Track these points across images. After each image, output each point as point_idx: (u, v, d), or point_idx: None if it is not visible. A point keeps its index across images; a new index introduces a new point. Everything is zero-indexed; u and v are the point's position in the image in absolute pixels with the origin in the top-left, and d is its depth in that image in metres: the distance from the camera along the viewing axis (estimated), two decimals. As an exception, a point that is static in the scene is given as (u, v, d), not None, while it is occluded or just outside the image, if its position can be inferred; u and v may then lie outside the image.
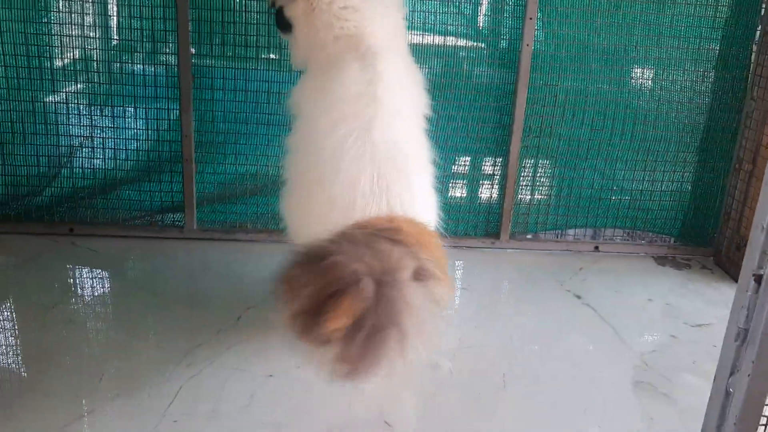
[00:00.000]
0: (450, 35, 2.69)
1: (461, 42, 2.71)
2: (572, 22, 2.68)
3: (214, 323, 2.23)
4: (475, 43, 2.74)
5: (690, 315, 2.50)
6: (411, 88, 2.05)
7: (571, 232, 2.97)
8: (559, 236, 2.96)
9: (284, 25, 2.11)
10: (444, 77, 2.71)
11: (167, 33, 2.61)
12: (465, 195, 2.88)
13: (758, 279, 1.21)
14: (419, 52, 2.66)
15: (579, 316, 2.45)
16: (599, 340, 2.31)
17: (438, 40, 2.68)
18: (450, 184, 2.86)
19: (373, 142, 1.86)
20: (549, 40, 2.70)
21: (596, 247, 2.93)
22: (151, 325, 2.26)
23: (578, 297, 2.57)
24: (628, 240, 2.97)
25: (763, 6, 2.68)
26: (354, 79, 1.91)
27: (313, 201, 1.92)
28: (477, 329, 2.33)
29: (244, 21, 2.62)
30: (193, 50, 2.62)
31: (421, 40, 2.67)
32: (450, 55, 2.71)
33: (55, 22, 2.59)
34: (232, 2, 2.60)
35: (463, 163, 2.85)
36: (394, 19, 2.11)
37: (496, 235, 2.89)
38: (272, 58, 2.67)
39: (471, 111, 2.75)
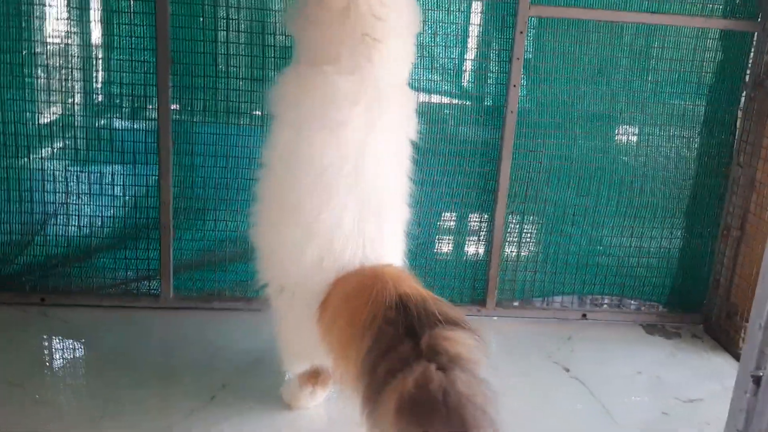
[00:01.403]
0: (434, 93, 2.66)
1: (445, 101, 2.68)
2: (557, 88, 2.67)
3: (187, 402, 2.13)
4: (459, 103, 2.71)
5: (681, 389, 2.42)
6: (407, 129, 1.98)
7: (558, 298, 2.91)
8: (546, 303, 2.89)
9: None
10: (429, 141, 2.67)
11: (147, 99, 2.57)
12: (449, 261, 2.81)
13: (757, 380, 1.15)
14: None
15: (568, 390, 2.37)
16: (588, 417, 2.23)
17: (422, 98, 2.65)
18: (435, 250, 2.80)
19: (361, 188, 1.81)
20: (533, 106, 2.68)
21: (584, 315, 2.86)
22: (122, 404, 2.14)
23: (566, 370, 2.49)
24: (616, 307, 2.91)
25: (747, 71, 2.68)
26: (357, 127, 1.82)
27: (289, 228, 1.83)
28: (461, 406, 2.25)
29: (225, 87, 2.58)
30: (173, 115, 2.58)
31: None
32: (434, 115, 2.68)
33: (30, 87, 2.54)
34: (214, 68, 2.56)
35: (447, 228, 2.79)
36: (409, 45, 1.99)
37: (482, 302, 2.82)
38: (253, 125, 2.62)
39: (455, 176, 2.71)
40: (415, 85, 2.62)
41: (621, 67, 2.66)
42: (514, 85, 2.60)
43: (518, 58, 2.57)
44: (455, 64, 2.66)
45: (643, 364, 2.58)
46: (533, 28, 2.60)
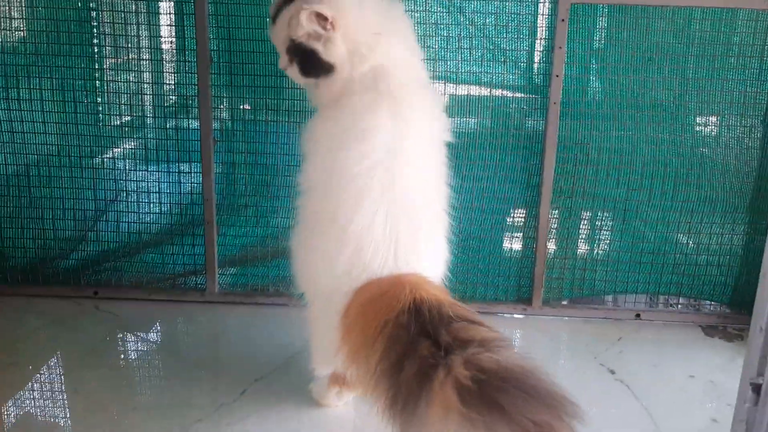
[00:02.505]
0: (473, 85, 2.60)
1: (485, 92, 2.60)
2: (604, 77, 2.55)
3: (218, 396, 2.17)
4: (501, 94, 2.63)
5: (736, 395, 2.26)
6: (436, 130, 1.93)
7: (609, 297, 2.79)
8: (597, 302, 2.78)
9: (321, 67, 1.85)
10: (469, 135, 2.61)
11: (189, 98, 2.63)
12: (493, 258, 2.74)
13: (757, 389, 1.05)
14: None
15: (610, 393, 2.26)
16: (628, 422, 2.11)
17: (461, 89, 2.59)
18: (478, 247, 2.73)
19: (393, 193, 1.78)
20: (579, 96, 2.57)
21: (637, 315, 2.73)
22: (155, 397, 2.21)
23: (612, 372, 2.38)
24: (672, 307, 2.76)
25: (817, 54, 2.48)
26: (382, 130, 1.79)
27: (323, 239, 1.82)
28: (495, 407, 2.18)
29: (266, 85, 2.60)
30: (215, 114, 2.63)
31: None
32: (474, 108, 2.61)
33: (84, 89, 2.65)
34: (253, 67, 2.59)
35: (491, 225, 2.72)
36: (410, 41, 1.98)
37: (527, 300, 2.74)
38: (292, 122, 2.63)
39: (498, 171, 2.64)
40: (453, 77, 2.58)
41: (673, 54, 2.51)
42: (557, 75, 2.50)
43: (560, 47, 2.47)
44: (494, 53, 2.58)
45: (698, 368, 2.43)
46: (576, 15, 2.49)
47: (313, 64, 1.84)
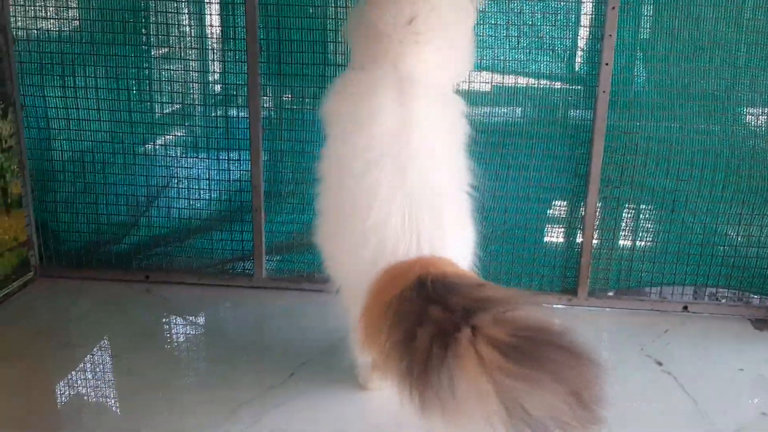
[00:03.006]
0: (520, 74, 2.59)
1: (532, 81, 2.59)
2: (653, 65, 2.52)
3: (266, 378, 2.21)
4: (548, 83, 2.62)
5: (787, 389, 2.24)
6: (448, 123, 1.93)
7: (657, 289, 2.76)
8: (643, 294, 2.75)
9: None
10: (516, 124, 2.61)
11: (238, 87, 2.67)
12: (538, 248, 2.73)
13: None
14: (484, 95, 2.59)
15: (657, 384, 2.25)
16: (676, 413, 2.10)
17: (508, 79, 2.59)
18: (524, 236, 2.72)
19: (406, 185, 1.77)
20: (627, 85, 2.54)
21: (685, 307, 2.70)
22: (205, 378, 2.26)
23: (659, 363, 2.36)
24: (721, 300, 2.72)
25: None
26: (387, 114, 1.81)
27: (347, 234, 1.84)
28: (540, 396, 2.18)
29: (313, 74, 2.63)
30: (264, 102, 2.67)
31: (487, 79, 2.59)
32: (521, 97, 2.60)
33: (135, 77, 2.72)
34: (300, 56, 2.62)
35: (537, 214, 2.71)
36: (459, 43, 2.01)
37: (573, 291, 2.72)
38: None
39: (545, 160, 2.63)
40: (500, 66, 2.58)
41: (725, 42, 2.47)
42: (606, 64, 2.48)
43: (610, 35, 2.45)
44: (544, 41, 2.56)
45: (747, 361, 2.39)
46: (627, 3, 2.46)
47: None
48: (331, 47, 2.63)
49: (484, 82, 2.59)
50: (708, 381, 2.27)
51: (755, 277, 2.68)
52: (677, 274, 2.71)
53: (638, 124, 2.57)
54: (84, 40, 2.68)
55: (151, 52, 2.74)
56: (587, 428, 1.34)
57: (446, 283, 1.59)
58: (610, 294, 2.75)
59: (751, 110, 2.58)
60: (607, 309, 2.73)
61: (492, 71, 2.58)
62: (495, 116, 2.61)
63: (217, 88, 2.75)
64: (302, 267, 2.83)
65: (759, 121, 2.58)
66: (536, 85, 2.60)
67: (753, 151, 2.57)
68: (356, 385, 2.16)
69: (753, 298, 2.71)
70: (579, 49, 2.61)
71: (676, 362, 2.36)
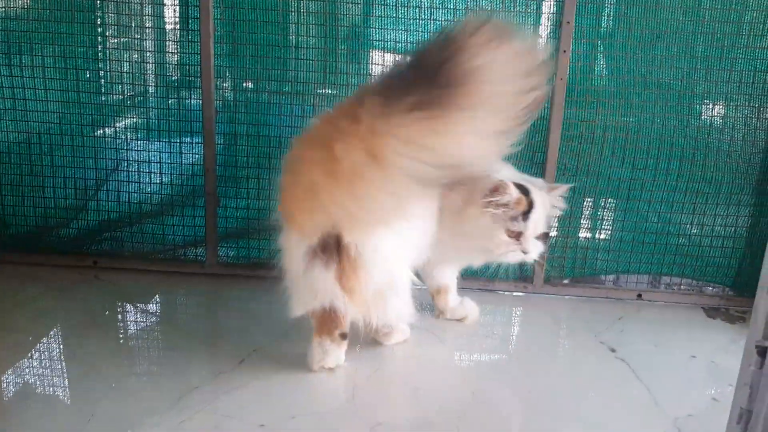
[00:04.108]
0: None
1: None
2: (611, 54, 2.52)
3: (216, 364, 2.16)
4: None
5: (737, 375, 2.25)
6: None
7: (611, 277, 2.77)
8: (598, 282, 2.76)
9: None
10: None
11: (191, 67, 2.60)
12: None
13: (762, 352, 1.03)
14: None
15: (610, 371, 2.25)
16: (629, 400, 2.10)
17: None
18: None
19: None
20: (585, 73, 2.54)
21: (639, 295, 2.71)
22: (154, 365, 2.21)
23: (612, 350, 2.36)
24: (675, 288, 2.74)
25: (827, 36, 2.45)
26: None
27: None
28: (494, 382, 2.17)
29: (267, 55, 2.57)
30: (217, 84, 2.61)
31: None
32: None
33: (84, 56, 2.63)
34: (257, 37, 2.56)
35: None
36: None
37: (529, 279, 2.72)
38: (294, 93, 2.61)
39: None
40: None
41: (682, 31, 2.48)
42: (564, 51, 2.47)
43: (568, 22, 2.44)
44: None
45: (699, 349, 2.41)
46: (585, -10, 2.46)
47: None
48: (292, 29, 2.58)
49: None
50: (661, 368, 2.27)
51: (709, 266, 2.70)
52: (632, 263, 2.73)
53: (595, 112, 2.57)
54: (31, 18, 2.58)
55: (101, 31, 2.65)
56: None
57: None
58: (566, 282, 2.76)
59: (706, 100, 2.59)
60: (563, 296, 2.73)
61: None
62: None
63: (171, 68, 2.67)
64: (256, 254, 2.77)
65: (714, 111, 2.60)
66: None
67: (707, 140, 2.59)
68: (307, 372, 2.12)
69: (706, 286, 2.74)
70: (540, 36, 2.59)
71: (630, 349, 2.37)
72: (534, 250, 2.15)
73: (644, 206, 2.66)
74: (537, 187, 2.18)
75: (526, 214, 2.09)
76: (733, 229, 2.66)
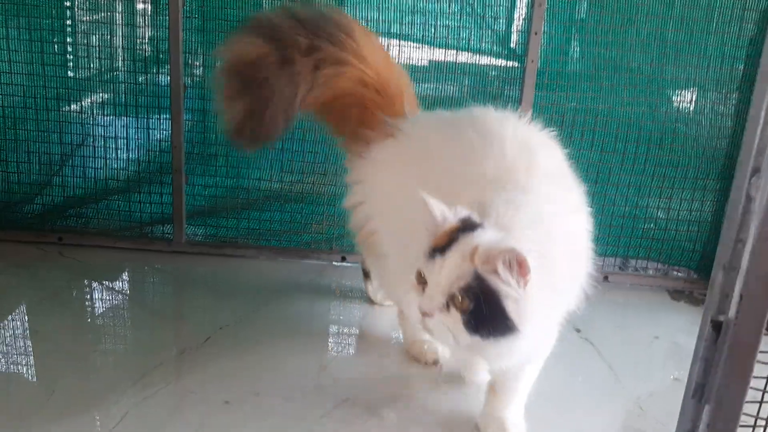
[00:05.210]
0: (450, 48, 2.56)
1: (461, 57, 2.57)
2: (582, 37, 2.53)
3: (181, 342, 2.15)
4: (475, 57, 2.60)
5: (698, 356, 2.29)
6: None
7: (579, 260, 2.79)
8: (566, 264, 2.78)
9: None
10: (438, 93, 2.58)
11: (159, 42, 2.56)
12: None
13: (717, 326, 1.05)
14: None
15: (574, 351, 2.27)
16: (592, 379, 2.12)
17: (436, 54, 2.56)
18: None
19: None
20: (556, 56, 2.55)
21: (605, 277, 2.74)
22: (119, 341, 2.19)
23: (577, 330, 2.39)
24: (641, 271, 2.78)
25: (794, 24, 2.48)
26: None
27: None
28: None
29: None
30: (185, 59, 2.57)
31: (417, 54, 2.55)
32: (449, 72, 2.58)
33: (49, 29, 2.57)
34: (228, 12, 2.52)
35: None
36: None
37: (497, 260, 2.73)
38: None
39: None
40: (431, 33, 2.54)
41: (653, 15, 2.49)
42: (536, 33, 2.47)
43: (540, 5, 2.44)
44: (469, 9, 2.54)
45: (663, 330, 2.44)
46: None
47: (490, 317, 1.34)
48: (263, 2, 2.55)
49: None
50: (624, 348, 2.31)
51: (674, 250, 2.73)
52: (599, 245, 2.72)
53: (566, 95, 2.57)
54: (-6, -13, 2.52)
55: (69, 4, 2.59)
56: None
57: None
58: (534, 264, 2.76)
59: (675, 85, 2.61)
60: (531, 279, 2.75)
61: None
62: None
63: (140, 43, 2.62)
64: (224, 232, 2.75)
65: (682, 97, 2.62)
66: (472, 60, 2.57)
67: (675, 126, 2.61)
68: (274, 351, 2.11)
69: (671, 269, 2.77)
70: (511, 19, 2.59)
71: (595, 330, 2.39)
72: (438, 328, 1.38)
73: (612, 190, 2.68)
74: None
75: (436, 252, 1.38)
76: (698, 214, 2.69)
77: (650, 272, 2.78)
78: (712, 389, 1.01)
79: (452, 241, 1.36)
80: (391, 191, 1.85)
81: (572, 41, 2.56)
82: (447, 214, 1.41)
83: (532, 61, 2.50)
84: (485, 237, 1.36)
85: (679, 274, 2.77)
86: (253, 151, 2.52)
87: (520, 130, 1.78)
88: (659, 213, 2.71)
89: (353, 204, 2.03)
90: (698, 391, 1.05)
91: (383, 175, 1.90)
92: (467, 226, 1.39)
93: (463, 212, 1.42)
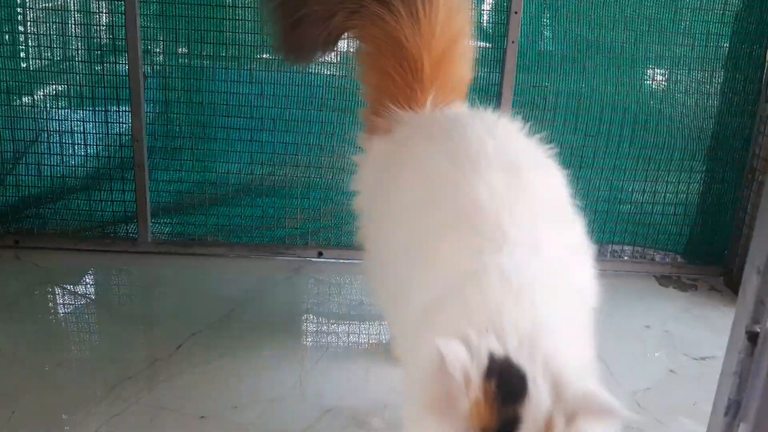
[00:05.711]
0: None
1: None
2: (563, 16, 2.42)
3: (152, 351, 2.02)
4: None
5: (692, 345, 2.22)
6: None
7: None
8: (550, 252, 2.69)
9: None
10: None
11: (116, 28, 2.39)
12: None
13: (753, 338, 0.94)
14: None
15: (565, 345, 2.19)
16: (586, 374, 2.04)
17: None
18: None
19: None
20: (537, 36, 2.44)
21: (592, 265, 2.66)
22: (84, 352, 2.06)
23: (567, 322, 2.30)
24: (627, 257, 2.70)
25: (780, -1, 2.40)
26: None
27: None
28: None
29: (199, 15, 2.38)
30: (145, 47, 2.41)
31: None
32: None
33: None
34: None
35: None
36: None
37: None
38: (232, 56, 2.43)
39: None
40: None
41: (635, -9, 2.40)
42: (516, 12, 2.36)
43: (520, -18, 2.33)
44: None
45: (653, 318, 2.38)
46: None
47: None
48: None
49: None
50: (615, 340, 2.22)
51: (661, 234, 2.66)
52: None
53: (547, 77, 2.47)
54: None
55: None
56: None
57: None
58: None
59: (659, 64, 2.53)
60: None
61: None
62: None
63: (96, 30, 2.44)
64: (192, 230, 2.61)
65: (666, 76, 2.54)
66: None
67: (660, 106, 2.53)
68: (250, 357, 1.99)
69: (658, 254, 2.70)
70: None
71: (584, 321, 2.31)
72: None
73: (596, 174, 2.59)
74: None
75: None
76: (684, 196, 2.62)
77: (636, 258, 2.70)
78: (750, 406, 0.92)
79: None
80: (375, 198, 1.65)
81: (553, 20, 2.45)
82: (467, 367, 1.03)
83: (513, 42, 2.39)
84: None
85: (666, 258, 2.70)
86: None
87: (506, 147, 1.54)
88: (645, 196, 2.63)
89: (353, 189, 1.81)
90: (732, 409, 0.95)
91: (372, 177, 1.71)
92: (509, 390, 1.03)
93: (483, 357, 1.05)
